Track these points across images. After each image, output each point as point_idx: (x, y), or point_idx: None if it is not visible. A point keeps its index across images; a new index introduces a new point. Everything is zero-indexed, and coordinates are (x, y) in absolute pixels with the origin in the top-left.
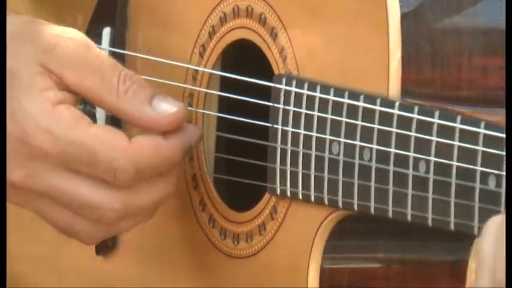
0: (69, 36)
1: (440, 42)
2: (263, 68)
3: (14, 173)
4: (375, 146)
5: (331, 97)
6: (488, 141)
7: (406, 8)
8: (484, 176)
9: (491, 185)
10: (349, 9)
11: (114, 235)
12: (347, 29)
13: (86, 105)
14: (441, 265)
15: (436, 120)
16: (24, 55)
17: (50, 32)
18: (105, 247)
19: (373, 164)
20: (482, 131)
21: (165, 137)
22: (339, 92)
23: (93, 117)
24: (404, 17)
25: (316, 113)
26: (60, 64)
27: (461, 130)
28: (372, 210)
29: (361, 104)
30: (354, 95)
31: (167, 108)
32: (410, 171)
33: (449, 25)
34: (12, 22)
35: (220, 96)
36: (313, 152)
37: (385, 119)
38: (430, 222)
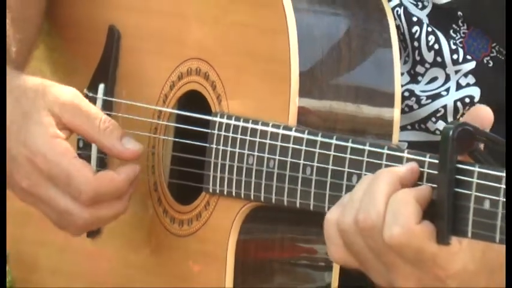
0: (68, 92)
1: (325, 93)
2: (205, 109)
3: (23, 182)
4: (277, 157)
5: (249, 125)
6: (355, 151)
7: (303, 67)
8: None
9: (354, 181)
10: (263, 69)
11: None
12: (261, 82)
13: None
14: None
15: (318, 139)
16: (37, 103)
17: (55, 89)
18: (93, 233)
19: (275, 170)
20: (350, 144)
21: (118, 172)
22: (255, 122)
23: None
24: (301, 74)
25: (238, 137)
26: (61, 110)
27: (336, 145)
28: (273, 201)
29: (269, 129)
30: (265, 124)
31: (132, 146)
32: (300, 174)
33: (332, 81)
34: (29, 80)
35: (176, 127)
36: (235, 163)
37: (285, 138)
38: (312, 207)
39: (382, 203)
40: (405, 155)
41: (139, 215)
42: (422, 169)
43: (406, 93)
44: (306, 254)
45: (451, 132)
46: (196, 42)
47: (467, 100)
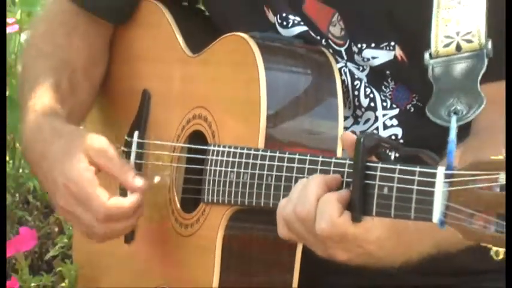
0: (100, 140)
1: (286, 126)
2: (204, 142)
3: (61, 201)
4: (249, 171)
5: (231, 150)
6: (300, 161)
7: (270, 108)
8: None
9: None
10: (241, 110)
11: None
12: (240, 119)
13: None
14: None
15: (277, 155)
16: (78, 146)
17: (91, 137)
18: (128, 238)
19: (248, 180)
20: (296, 156)
21: (126, 200)
22: (235, 147)
23: None
24: (268, 112)
25: (224, 159)
26: (93, 153)
27: (288, 158)
28: (246, 203)
29: (244, 151)
30: (241, 148)
31: (140, 183)
32: (264, 182)
33: (291, 119)
34: (74, 130)
35: (186, 157)
36: (222, 179)
37: (254, 157)
38: (271, 206)
39: (314, 200)
40: (333, 160)
41: (159, 223)
42: (343, 169)
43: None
44: (273, 242)
45: (361, 139)
46: (198, 96)
47: (393, 137)
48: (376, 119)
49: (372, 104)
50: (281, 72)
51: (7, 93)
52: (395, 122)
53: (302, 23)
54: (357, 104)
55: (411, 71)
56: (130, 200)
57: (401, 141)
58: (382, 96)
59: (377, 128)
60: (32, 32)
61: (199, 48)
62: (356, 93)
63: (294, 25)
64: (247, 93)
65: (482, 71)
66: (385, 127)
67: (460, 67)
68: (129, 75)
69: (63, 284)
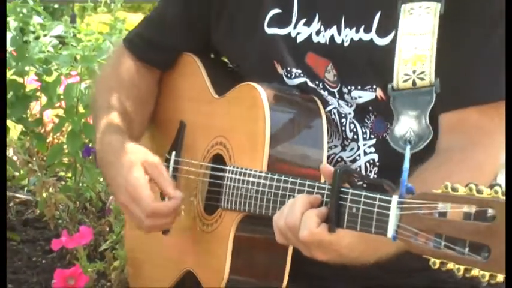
0: (154, 158)
1: (283, 153)
2: (223, 163)
3: (121, 198)
4: (255, 187)
5: (243, 170)
6: (292, 183)
7: (272, 139)
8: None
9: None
10: (250, 140)
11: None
12: (249, 146)
13: None
14: None
15: (275, 177)
16: (138, 159)
17: (147, 153)
18: (165, 231)
19: (253, 194)
20: (290, 179)
21: (166, 203)
22: (245, 169)
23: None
24: (271, 143)
25: (237, 177)
26: (148, 166)
27: (283, 180)
28: (252, 211)
29: (252, 172)
30: (249, 169)
31: (177, 193)
32: (265, 196)
33: (287, 147)
34: (136, 147)
35: (210, 174)
36: (235, 191)
37: (260, 177)
38: (270, 215)
39: (299, 214)
40: (316, 184)
41: (188, 221)
42: (323, 191)
43: (339, 159)
44: (271, 241)
45: (337, 170)
46: (220, 127)
47: (371, 161)
48: (358, 148)
49: (355, 137)
50: (281, 113)
51: (70, 127)
52: (372, 149)
53: (302, 75)
54: (344, 136)
55: (388, 106)
56: (169, 204)
57: (377, 164)
58: (363, 128)
59: (359, 155)
60: (101, 73)
61: (222, 91)
62: (343, 128)
63: (296, 77)
64: (256, 128)
65: (431, 105)
66: (365, 153)
67: (413, 100)
68: (170, 109)
69: (115, 264)
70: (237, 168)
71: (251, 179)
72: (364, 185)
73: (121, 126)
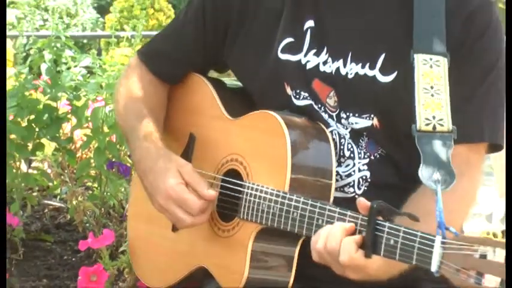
0: (188, 165)
1: (302, 173)
2: (240, 179)
3: (161, 201)
4: (278, 206)
5: (264, 189)
6: (321, 208)
7: (292, 162)
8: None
9: (320, 222)
10: (271, 162)
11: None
12: (269, 168)
13: None
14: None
15: (301, 199)
16: (174, 166)
17: (182, 161)
18: (174, 229)
19: (277, 212)
20: (318, 204)
21: (204, 201)
22: (266, 188)
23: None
24: (292, 166)
25: (258, 193)
26: (183, 171)
27: (310, 204)
28: (270, 225)
29: (275, 191)
30: (272, 189)
31: (211, 192)
32: (290, 215)
33: (304, 168)
34: (173, 156)
35: (223, 185)
36: (254, 206)
37: (284, 197)
38: (294, 231)
39: (339, 240)
40: (348, 212)
41: (205, 227)
42: (356, 220)
43: (335, 173)
44: (282, 247)
45: (374, 205)
46: (235, 146)
47: (364, 178)
48: (354, 164)
49: (352, 155)
50: (298, 141)
51: (96, 144)
52: (365, 167)
53: (308, 98)
54: (341, 154)
55: (382, 133)
56: (210, 202)
57: (369, 180)
58: (358, 149)
59: (354, 171)
60: (119, 83)
61: (235, 112)
62: (341, 147)
63: (303, 98)
64: (276, 151)
65: (451, 151)
66: (359, 170)
67: (437, 143)
68: (179, 121)
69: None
70: (258, 185)
71: (273, 197)
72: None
73: (155, 130)
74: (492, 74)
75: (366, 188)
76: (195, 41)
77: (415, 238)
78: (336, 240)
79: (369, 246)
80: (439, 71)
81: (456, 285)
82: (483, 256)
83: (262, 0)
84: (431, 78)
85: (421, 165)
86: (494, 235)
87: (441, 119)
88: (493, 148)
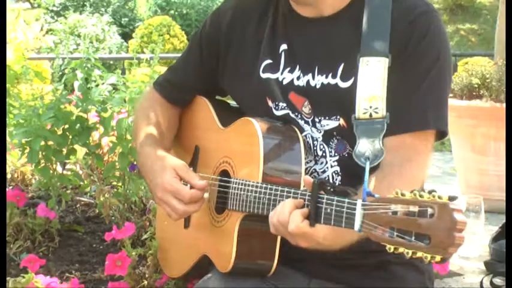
0: (181, 162)
1: (272, 168)
2: (229, 177)
3: (159, 194)
4: (253, 194)
5: (244, 182)
6: (281, 191)
7: (264, 159)
8: (279, 201)
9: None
10: (248, 160)
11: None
12: (248, 164)
13: None
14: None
15: (268, 186)
16: (170, 165)
17: (177, 160)
18: (186, 225)
19: (252, 199)
20: (279, 188)
21: (195, 190)
22: (245, 180)
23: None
24: (264, 162)
25: (240, 186)
26: (177, 168)
27: (274, 188)
28: (251, 211)
29: (251, 183)
30: (248, 181)
31: (202, 182)
32: (261, 201)
33: (275, 163)
34: (169, 157)
35: (219, 184)
36: (238, 198)
37: (257, 186)
38: (265, 213)
39: (288, 213)
40: (299, 191)
41: (203, 218)
42: (305, 196)
43: (313, 170)
44: (265, 233)
45: (315, 181)
46: (225, 151)
47: (336, 172)
48: (327, 162)
49: (324, 154)
50: (271, 140)
51: (120, 149)
52: (336, 163)
53: (286, 108)
54: (315, 154)
55: (347, 132)
56: (200, 190)
57: (340, 173)
58: (329, 149)
59: (327, 167)
60: (137, 106)
61: (226, 123)
62: (315, 148)
63: (282, 109)
64: (253, 151)
65: (383, 132)
66: (331, 166)
67: (370, 128)
68: (188, 136)
69: (150, 251)
70: (239, 180)
71: (250, 188)
72: (333, 191)
73: (154, 139)
74: (434, 69)
75: (339, 182)
76: (196, 70)
77: (343, 204)
78: (285, 213)
79: (312, 216)
80: (380, 69)
81: (374, 240)
82: (394, 213)
83: (244, 31)
84: (372, 75)
85: (356, 146)
86: None
87: (376, 108)
88: (441, 135)
